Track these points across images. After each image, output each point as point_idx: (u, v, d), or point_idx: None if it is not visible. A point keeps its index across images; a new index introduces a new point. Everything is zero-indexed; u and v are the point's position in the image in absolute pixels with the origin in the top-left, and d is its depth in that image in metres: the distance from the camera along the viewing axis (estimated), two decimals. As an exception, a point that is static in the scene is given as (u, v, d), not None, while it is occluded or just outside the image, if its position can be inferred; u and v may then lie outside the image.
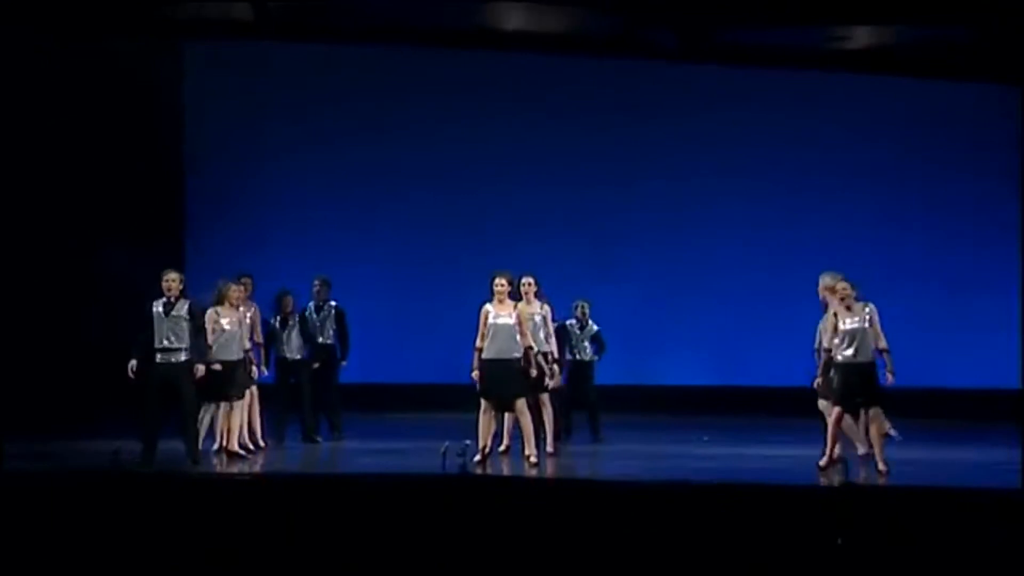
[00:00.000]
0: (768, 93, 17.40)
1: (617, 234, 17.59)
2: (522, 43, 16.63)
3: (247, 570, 9.09)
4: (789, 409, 14.24)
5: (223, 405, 12.97)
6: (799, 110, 17.44)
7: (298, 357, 14.44)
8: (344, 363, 14.69)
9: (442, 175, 17.77)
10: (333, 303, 14.69)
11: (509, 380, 12.42)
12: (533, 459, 12.45)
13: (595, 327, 14.60)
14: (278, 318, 14.41)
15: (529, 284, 13.24)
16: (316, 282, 14.72)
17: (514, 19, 15.82)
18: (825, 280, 12.12)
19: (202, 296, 12.86)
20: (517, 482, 11.57)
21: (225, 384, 12.83)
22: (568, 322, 14.49)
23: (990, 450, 13.95)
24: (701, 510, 9.88)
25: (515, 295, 12.85)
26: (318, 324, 14.59)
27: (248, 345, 13.37)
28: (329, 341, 14.65)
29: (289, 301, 14.40)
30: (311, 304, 14.69)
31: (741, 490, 10.85)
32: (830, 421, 11.98)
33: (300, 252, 17.01)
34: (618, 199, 17.69)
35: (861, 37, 15.45)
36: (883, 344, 11.83)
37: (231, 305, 13.01)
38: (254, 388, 13.52)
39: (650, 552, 9.23)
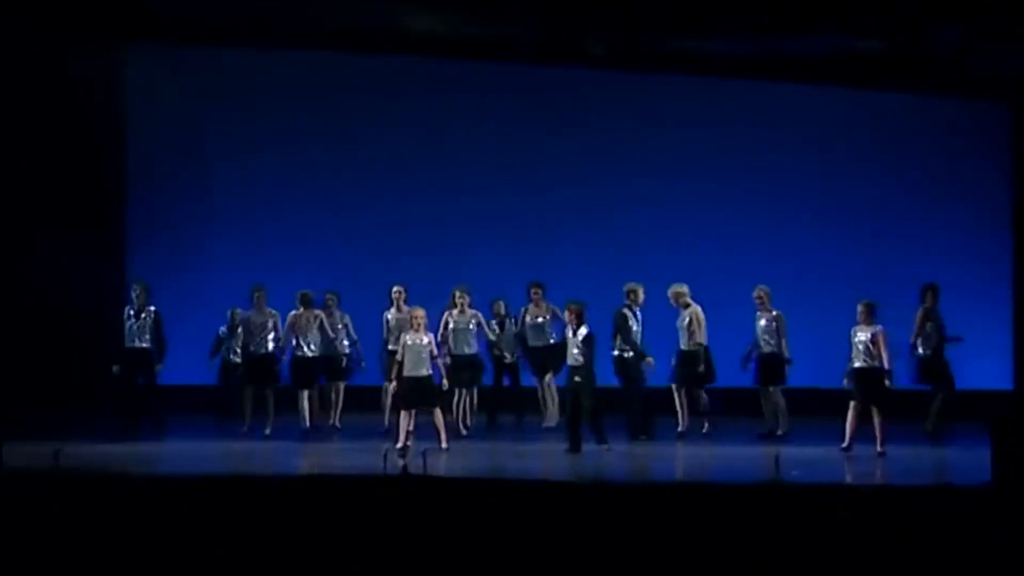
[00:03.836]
0: (762, 103, 17.32)
1: (563, 239, 17.17)
2: (463, 50, 16.49)
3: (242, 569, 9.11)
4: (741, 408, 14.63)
5: None
6: (792, 121, 17.36)
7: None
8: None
9: (388, 181, 17.31)
10: (152, 308, 14.75)
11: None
12: None
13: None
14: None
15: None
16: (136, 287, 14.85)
17: (444, 25, 15.86)
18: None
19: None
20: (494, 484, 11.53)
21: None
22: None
23: (989, 450, 13.93)
24: (686, 510, 9.90)
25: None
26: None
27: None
28: (146, 345, 14.72)
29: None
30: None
31: (717, 490, 10.89)
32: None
33: (242, 258, 16.84)
34: (567, 203, 17.16)
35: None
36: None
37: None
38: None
39: (639, 553, 9.25)
